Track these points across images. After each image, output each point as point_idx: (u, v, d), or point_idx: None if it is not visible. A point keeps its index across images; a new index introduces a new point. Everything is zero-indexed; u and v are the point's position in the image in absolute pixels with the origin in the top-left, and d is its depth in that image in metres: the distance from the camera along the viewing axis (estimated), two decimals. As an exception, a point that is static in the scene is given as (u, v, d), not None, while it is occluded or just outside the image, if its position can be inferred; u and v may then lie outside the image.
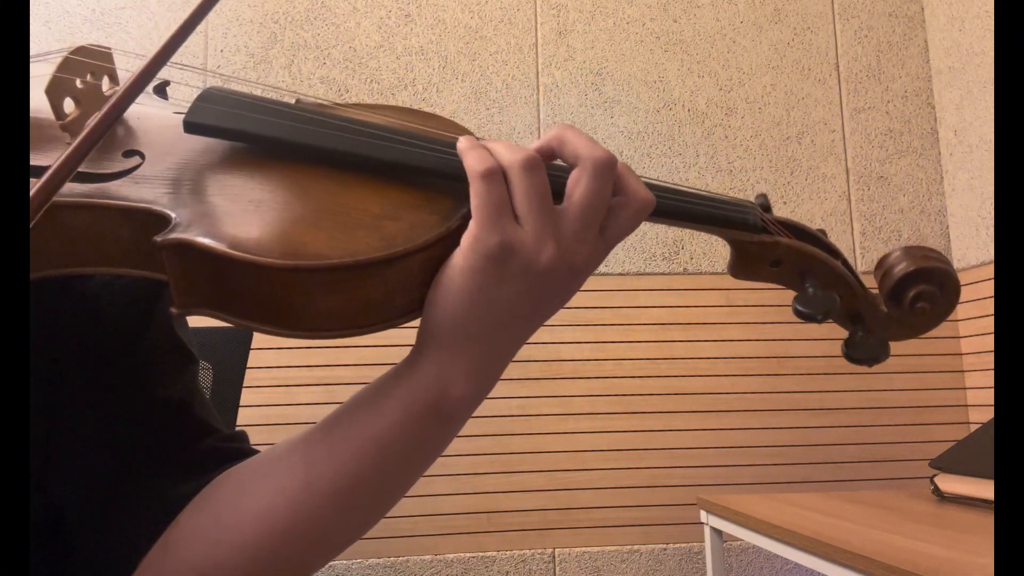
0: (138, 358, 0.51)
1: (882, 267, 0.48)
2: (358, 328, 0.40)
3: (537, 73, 1.87)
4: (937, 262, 0.47)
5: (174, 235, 0.38)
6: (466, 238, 0.40)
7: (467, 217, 0.42)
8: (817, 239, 0.49)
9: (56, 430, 0.48)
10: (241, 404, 1.20)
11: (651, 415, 1.74)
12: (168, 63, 0.38)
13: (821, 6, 1.97)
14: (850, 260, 2.05)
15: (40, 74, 0.44)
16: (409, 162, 0.43)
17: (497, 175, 0.40)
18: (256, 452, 0.53)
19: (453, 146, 0.44)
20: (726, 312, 1.80)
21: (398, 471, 0.45)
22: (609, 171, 0.42)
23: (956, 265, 1.87)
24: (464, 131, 0.48)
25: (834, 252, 0.48)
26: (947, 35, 1.90)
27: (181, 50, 0.49)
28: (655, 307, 1.79)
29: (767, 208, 0.49)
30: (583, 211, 0.41)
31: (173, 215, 0.39)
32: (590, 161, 0.41)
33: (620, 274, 1.81)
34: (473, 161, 0.41)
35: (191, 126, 0.44)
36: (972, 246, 1.82)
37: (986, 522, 1.04)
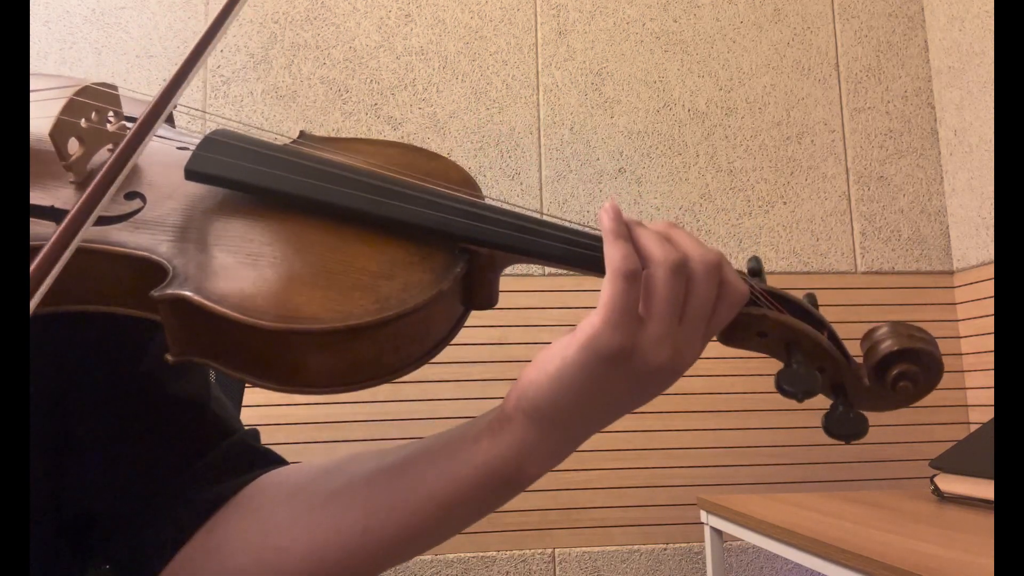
0: (147, 363, 0.51)
1: (869, 340, 0.48)
2: (347, 385, 0.40)
3: (537, 73, 1.87)
4: (923, 343, 0.47)
5: (171, 290, 0.38)
6: (585, 331, 0.39)
7: (458, 279, 0.42)
8: (805, 311, 0.49)
9: (73, 450, 0.49)
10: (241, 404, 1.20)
11: (651, 415, 1.74)
12: (173, 103, 0.38)
13: (821, 6, 1.97)
14: (850, 260, 2.03)
15: (46, 115, 0.44)
16: (408, 220, 0.43)
17: (639, 277, 0.39)
18: (277, 456, 0.54)
19: (454, 203, 0.44)
20: (726, 312, 1.79)
21: (456, 527, 0.46)
22: (718, 272, 0.41)
23: (956, 265, 1.87)
24: (466, 177, 0.48)
25: (820, 324, 0.48)
26: (947, 35, 1.90)
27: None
28: (655, 307, 1.79)
29: (757, 272, 0.49)
30: (696, 314, 0.40)
31: (170, 267, 0.39)
32: (703, 264, 0.40)
33: (620, 274, 1.80)
34: (619, 259, 0.39)
35: (192, 174, 0.44)
36: (972, 246, 1.82)
37: (986, 522, 1.04)
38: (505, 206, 0.46)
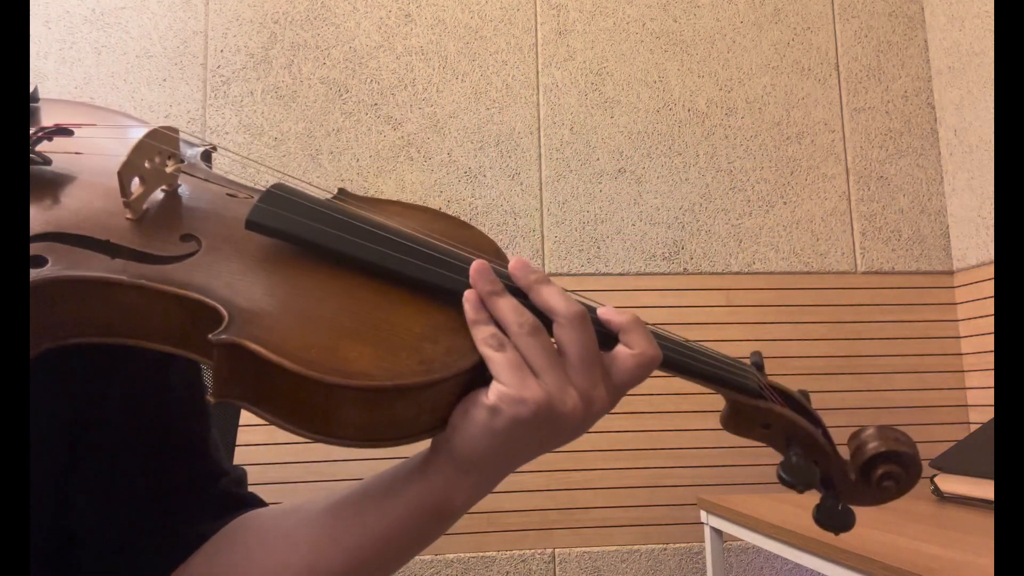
0: (165, 398, 0.54)
1: (856, 440, 0.53)
2: (381, 441, 0.41)
3: (537, 73, 1.87)
4: (906, 447, 0.51)
5: (227, 335, 0.38)
6: (495, 393, 0.42)
7: None
8: (804, 408, 0.53)
9: (79, 470, 0.50)
10: (241, 404, 1.19)
11: (651, 415, 1.74)
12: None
13: (821, 6, 1.97)
14: (850, 260, 2.03)
15: (116, 153, 0.46)
16: (454, 289, 0.45)
17: (504, 343, 0.43)
18: (259, 500, 0.57)
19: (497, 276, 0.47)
20: (726, 312, 1.80)
21: (396, 558, 0.49)
22: (585, 321, 0.44)
23: (956, 265, 1.87)
24: (497, 249, 0.51)
25: (816, 421, 0.53)
26: (947, 35, 1.90)
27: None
28: (655, 307, 1.79)
29: (760, 367, 0.53)
30: (581, 359, 0.44)
31: (225, 312, 0.40)
32: (566, 316, 0.44)
33: (620, 274, 1.81)
34: (476, 334, 0.43)
35: (252, 224, 0.45)
36: (972, 246, 1.82)
37: (986, 522, 1.04)
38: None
